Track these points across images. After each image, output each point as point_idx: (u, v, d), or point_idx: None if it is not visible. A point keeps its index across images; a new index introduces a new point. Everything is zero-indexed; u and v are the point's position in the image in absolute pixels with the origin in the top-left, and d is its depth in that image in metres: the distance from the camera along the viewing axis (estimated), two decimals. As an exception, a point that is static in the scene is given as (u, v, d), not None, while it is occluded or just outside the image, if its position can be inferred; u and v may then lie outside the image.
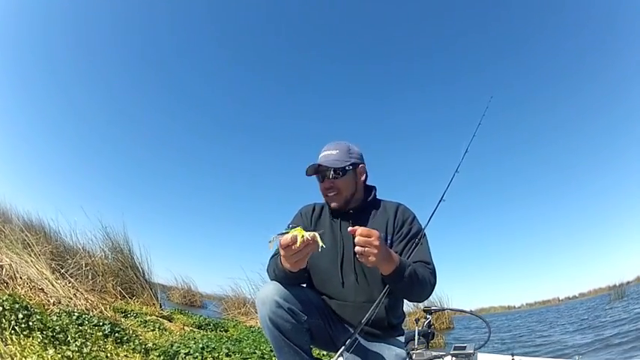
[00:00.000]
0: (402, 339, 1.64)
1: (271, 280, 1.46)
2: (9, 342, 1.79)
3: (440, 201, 1.68)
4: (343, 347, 1.34)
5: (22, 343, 1.81)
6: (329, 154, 1.57)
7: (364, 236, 1.22)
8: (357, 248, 1.23)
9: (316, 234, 1.17)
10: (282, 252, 1.23)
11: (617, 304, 9.58)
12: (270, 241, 1.20)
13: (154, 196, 16.88)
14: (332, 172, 1.54)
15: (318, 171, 1.58)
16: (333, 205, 1.58)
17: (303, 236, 1.16)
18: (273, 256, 1.50)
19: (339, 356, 1.31)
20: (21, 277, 3.21)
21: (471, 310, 2.65)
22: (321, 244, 1.16)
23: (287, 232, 1.18)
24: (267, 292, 1.37)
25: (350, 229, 1.25)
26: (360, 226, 1.53)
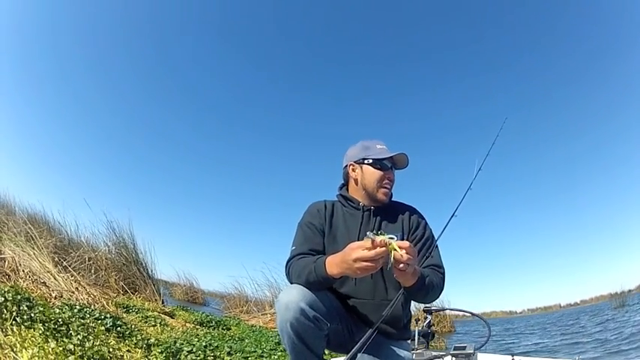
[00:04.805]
0: (409, 343, 1.65)
1: (294, 283, 1.39)
2: (9, 333, 1.79)
3: (452, 216, 1.71)
4: (359, 344, 1.32)
5: (23, 335, 1.82)
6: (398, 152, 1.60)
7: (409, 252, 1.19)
8: (404, 266, 1.20)
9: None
10: (364, 253, 1.17)
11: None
12: (366, 238, 1.18)
13: (159, 193, 16.91)
14: (399, 168, 1.63)
15: (401, 162, 1.62)
16: (384, 197, 1.59)
17: (391, 244, 1.16)
18: (292, 259, 1.47)
19: (355, 353, 1.30)
20: (23, 270, 3.23)
21: (471, 311, 2.63)
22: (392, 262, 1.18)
23: (379, 235, 1.18)
24: (293, 298, 1.30)
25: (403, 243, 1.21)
26: (383, 221, 1.57)
